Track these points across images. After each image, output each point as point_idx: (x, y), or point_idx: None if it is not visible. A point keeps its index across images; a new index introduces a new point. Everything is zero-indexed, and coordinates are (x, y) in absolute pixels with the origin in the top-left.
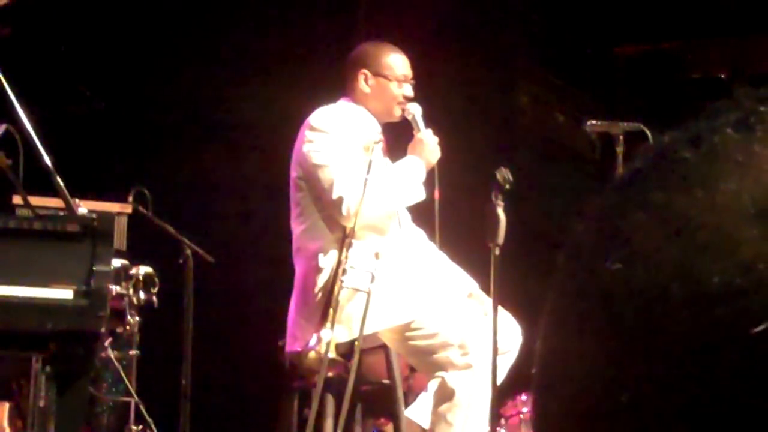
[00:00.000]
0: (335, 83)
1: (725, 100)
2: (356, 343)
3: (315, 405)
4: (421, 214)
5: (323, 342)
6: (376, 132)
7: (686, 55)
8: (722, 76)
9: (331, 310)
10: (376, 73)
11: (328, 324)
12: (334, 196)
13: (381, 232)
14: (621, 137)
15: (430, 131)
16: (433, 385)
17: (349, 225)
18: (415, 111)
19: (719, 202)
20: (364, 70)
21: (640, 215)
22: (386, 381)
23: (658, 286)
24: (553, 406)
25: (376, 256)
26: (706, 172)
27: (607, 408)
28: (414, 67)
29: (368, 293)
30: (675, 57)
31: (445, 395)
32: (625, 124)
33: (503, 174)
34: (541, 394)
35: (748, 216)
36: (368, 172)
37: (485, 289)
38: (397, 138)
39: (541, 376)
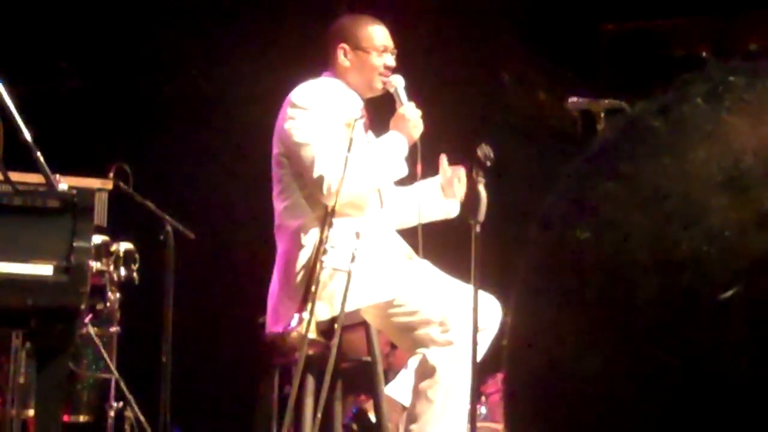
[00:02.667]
0: (317, 58)
1: (695, 72)
2: (335, 324)
3: (296, 384)
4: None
5: (304, 322)
6: (357, 108)
7: (668, 33)
8: (704, 54)
9: (312, 290)
10: (355, 46)
11: (309, 304)
12: (315, 174)
13: (362, 210)
14: (602, 115)
15: (412, 104)
16: (413, 362)
17: (330, 203)
18: (398, 83)
19: (688, 171)
20: (343, 44)
21: (609, 185)
22: (366, 358)
23: (626, 253)
24: (523, 374)
25: (357, 235)
26: (675, 141)
27: (576, 375)
28: (395, 42)
29: (348, 273)
30: (657, 35)
31: (425, 372)
32: (607, 101)
33: (484, 151)
34: (512, 363)
35: (716, 184)
36: (349, 150)
37: (467, 266)
38: (380, 112)
39: (511, 346)
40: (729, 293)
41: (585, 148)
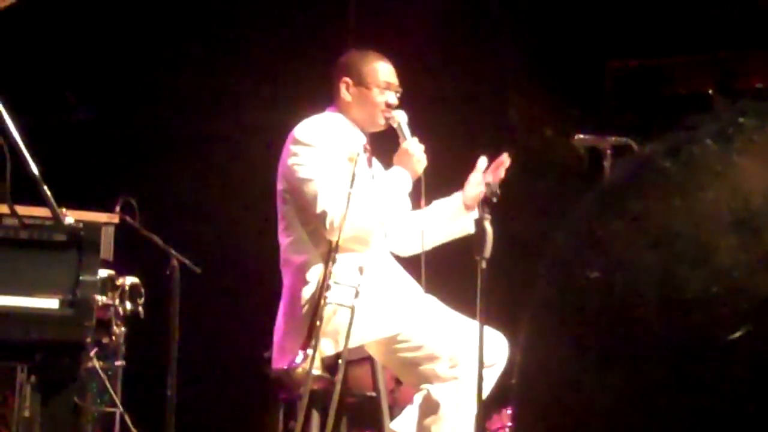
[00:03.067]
0: (322, 92)
1: (706, 113)
2: (339, 360)
3: (300, 420)
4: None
5: (309, 359)
6: (360, 142)
7: (674, 70)
8: (709, 91)
9: (317, 326)
10: (358, 82)
11: (313, 340)
12: (319, 210)
13: (366, 244)
14: (608, 152)
15: (415, 140)
16: (418, 397)
17: (333, 239)
18: (401, 119)
19: (697, 211)
20: (346, 78)
21: (619, 224)
22: (371, 393)
23: (636, 293)
24: (533, 413)
25: (360, 270)
26: (685, 181)
27: (584, 415)
28: (403, 77)
29: (352, 309)
30: (663, 72)
31: (430, 408)
32: (613, 138)
33: (490, 187)
34: (521, 402)
35: (726, 225)
36: (351, 186)
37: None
38: (385, 146)
39: (521, 385)
40: (737, 334)
41: (593, 185)
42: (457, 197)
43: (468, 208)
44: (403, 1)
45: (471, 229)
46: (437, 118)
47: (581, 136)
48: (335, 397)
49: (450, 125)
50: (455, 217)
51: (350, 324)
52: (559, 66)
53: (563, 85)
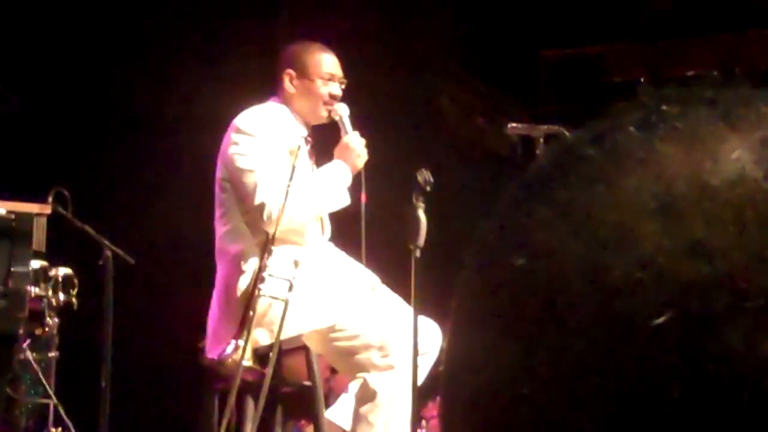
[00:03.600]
0: (258, 82)
1: (630, 100)
2: (271, 352)
3: (228, 411)
4: (347, 217)
5: (239, 350)
6: (302, 135)
7: (607, 59)
8: (642, 79)
9: (249, 317)
10: (301, 73)
11: (245, 332)
12: (257, 201)
13: (302, 236)
14: (541, 140)
15: (356, 134)
16: (354, 386)
17: (270, 230)
18: (343, 112)
19: (621, 198)
20: (289, 70)
21: (544, 211)
22: (307, 383)
23: (560, 281)
24: (459, 400)
25: (296, 264)
26: (609, 169)
27: (509, 400)
28: (344, 71)
29: (286, 302)
30: (596, 61)
31: (366, 396)
32: (546, 127)
33: (424, 175)
34: (448, 388)
35: (649, 211)
36: (291, 178)
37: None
38: (326, 139)
39: (447, 372)
40: (661, 319)
41: (520, 174)
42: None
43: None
44: None
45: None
46: (370, 108)
47: (514, 124)
48: (265, 388)
49: (383, 116)
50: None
51: (283, 316)
52: (493, 55)
53: (496, 74)
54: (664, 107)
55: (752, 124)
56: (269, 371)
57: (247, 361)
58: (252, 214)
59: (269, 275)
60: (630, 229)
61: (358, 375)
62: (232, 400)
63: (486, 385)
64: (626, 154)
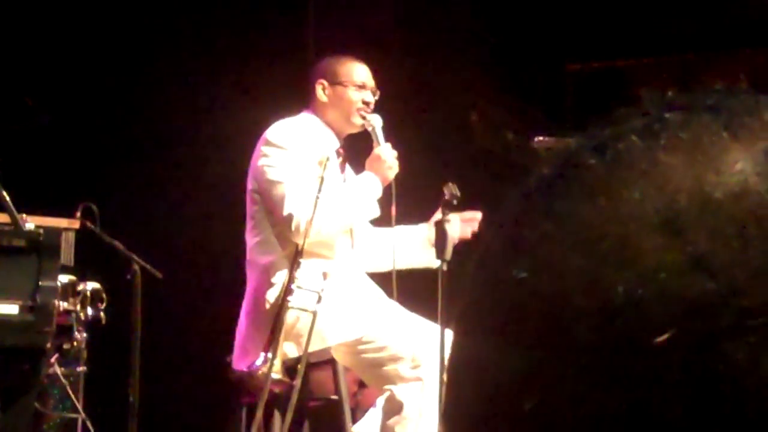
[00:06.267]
0: (288, 97)
1: (632, 107)
2: (299, 364)
3: (256, 423)
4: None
5: (269, 362)
6: (333, 145)
7: (635, 72)
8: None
9: (278, 329)
10: (333, 81)
11: (274, 344)
12: (285, 212)
13: (332, 250)
14: None
15: (388, 145)
16: (381, 400)
17: (299, 242)
18: (376, 123)
19: (622, 211)
20: (322, 80)
21: (545, 224)
22: (334, 396)
23: (563, 295)
24: (461, 413)
25: (324, 276)
26: (610, 180)
27: (511, 416)
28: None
29: (314, 314)
30: (624, 74)
31: (393, 408)
32: (572, 140)
33: (451, 189)
34: (450, 401)
35: (651, 225)
36: (319, 190)
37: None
38: (359, 150)
39: (450, 384)
40: (664, 336)
41: (522, 183)
42: (422, 231)
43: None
44: (363, 5)
45: (434, 264)
46: (397, 121)
47: (541, 138)
48: (292, 401)
49: (413, 132)
50: (421, 248)
51: (311, 329)
52: (520, 68)
53: (524, 87)
54: (667, 115)
55: (755, 133)
56: (298, 383)
57: (276, 374)
58: (281, 226)
59: (297, 287)
60: (632, 244)
61: (385, 387)
62: (260, 413)
63: (487, 400)
64: (628, 165)
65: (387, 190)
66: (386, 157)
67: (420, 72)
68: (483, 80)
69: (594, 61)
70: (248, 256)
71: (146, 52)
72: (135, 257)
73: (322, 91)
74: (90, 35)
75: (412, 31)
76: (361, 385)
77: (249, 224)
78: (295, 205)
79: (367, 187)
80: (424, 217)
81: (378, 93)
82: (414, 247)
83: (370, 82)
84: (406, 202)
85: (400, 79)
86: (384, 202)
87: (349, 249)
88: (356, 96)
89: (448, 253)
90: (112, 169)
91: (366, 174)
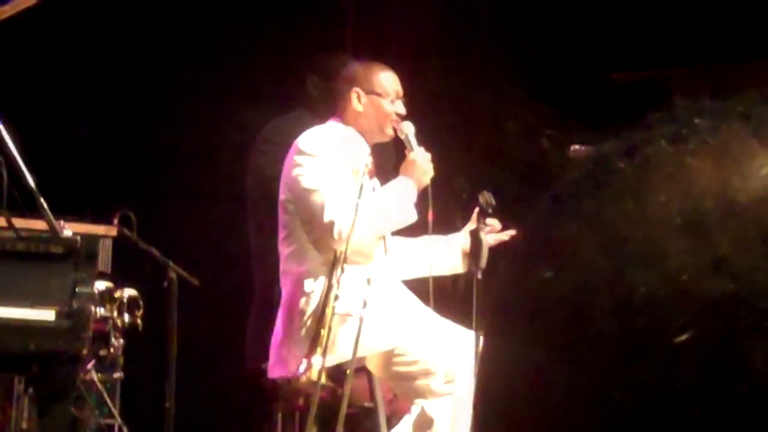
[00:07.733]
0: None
1: (663, 112)
2: (348, 371)
3: (310, 428)
4: (414, 235)
5: (314, 368)
6: (365, 154)
7: (672, 81)
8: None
9: (323, 335)
10: (369, 91)
11: (319, 349)
12: (326, 219)
13: (369, 257)
14: None
15: (422, 150)
16: (414, 411)
17: (340, 248)
18: (408, 130)
19: (648, 214)
20: (357, 89)
21: (572, 224)
22: (369, 404)
23: (587, 295)
24: (489, 412)
25: (368, 281)
26: (638, 183)
27: (534, 414)
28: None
29: (360, 319)
30: (661, 83)
31: (424, 424)
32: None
33: (486, 198)
34: (480, 401)
35: (676, 228)
36: (359, 197)
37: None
38: (387, 157)
39: (480, 384)
40: (683, 337)
41: (552, 185)
42: (457, 239)
43: (465, 255)
44: (398, 14)
45: (461, 269)
46: (434, 129)
47: (576, 146)
48: (343, 407)
49: (448, 139)
50: (455, 257)
51: (358, 334)
52: (557, 76)
53: (561, 95)
54: (696, 120)
55: None
56: (347, 389)
57: (323, 379)
58: (319, 233)
59: (341, 294)
60: (656, 246)
61: (416, 401)
62: (311, 420)
63: (514, 396)
64: (656, 168)
65: (423, 195)
66: (421, 161)
67: (454, 77)
68: (519, 88)
69: (632, 70)
70: (282, 266)
71: (185, 62)
72: (171, 264)
73: (357, 99)
74: (128, 46)
75: (448, 35)
76: None
77: (282, 234)
78: (335, 211)
79: (404, 192)
80: (460, 225)
81: (405, 100)
82: (448, 255)
83: (400, 89)
84: (441, 207)
85: (432, 83)
86: (420, 207)
87: (383, 256)
88: (390, 107)
89: (483, 261)
90: (149, 177)
91: (401, 179)
